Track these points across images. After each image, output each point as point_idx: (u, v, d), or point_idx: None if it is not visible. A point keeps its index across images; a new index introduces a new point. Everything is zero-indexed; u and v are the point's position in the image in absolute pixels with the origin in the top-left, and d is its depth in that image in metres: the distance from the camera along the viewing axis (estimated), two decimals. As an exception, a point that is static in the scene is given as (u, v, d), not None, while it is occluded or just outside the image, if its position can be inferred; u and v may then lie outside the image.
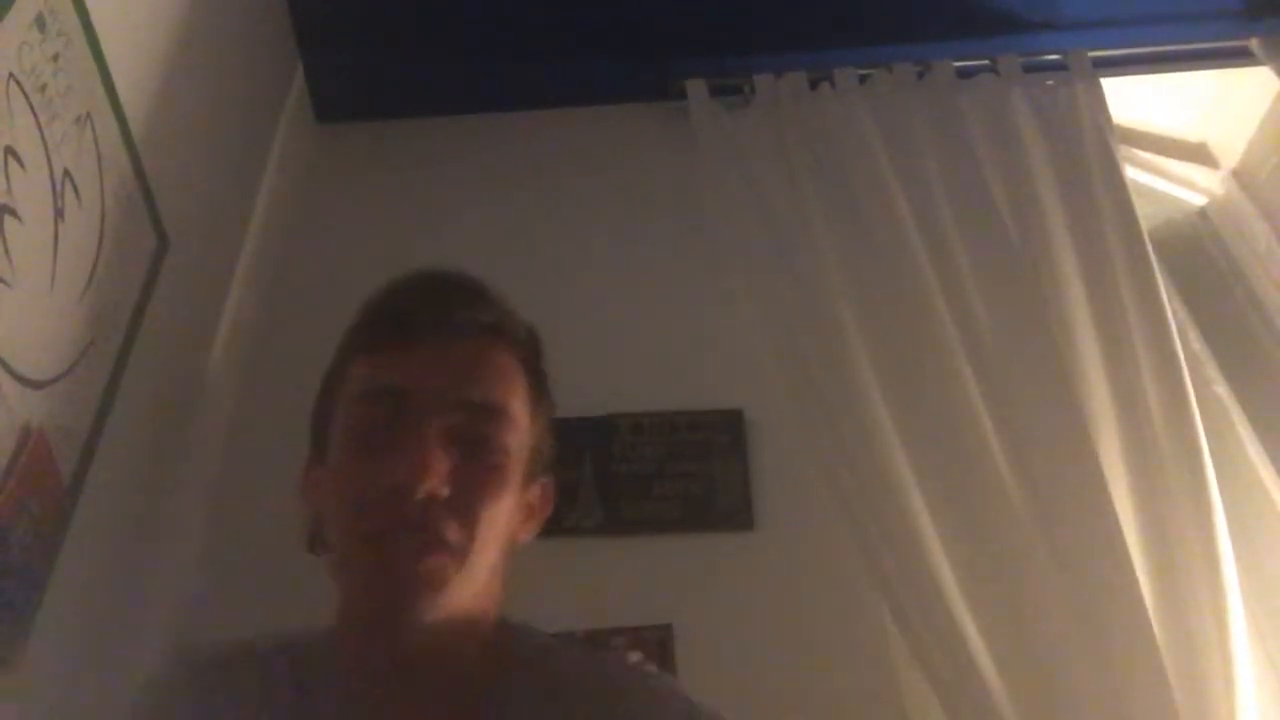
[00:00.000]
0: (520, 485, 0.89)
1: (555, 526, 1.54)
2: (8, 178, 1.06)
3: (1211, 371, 1.83)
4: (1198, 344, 1.85)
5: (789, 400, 1.64)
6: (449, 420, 0.84)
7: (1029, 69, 2.04)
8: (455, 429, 0.84)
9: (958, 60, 2.05)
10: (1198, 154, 2.22)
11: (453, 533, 0.82)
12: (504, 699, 0.86)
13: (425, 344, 0.88)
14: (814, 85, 2.04)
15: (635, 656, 1.07)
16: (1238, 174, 2.16)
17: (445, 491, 0.82)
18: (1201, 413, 1.59)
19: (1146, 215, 1.87)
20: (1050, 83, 2.02)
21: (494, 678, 0.87)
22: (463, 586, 0.83)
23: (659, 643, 1.47)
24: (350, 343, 0.93)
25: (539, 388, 0.94)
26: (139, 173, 1.38)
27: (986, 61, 2.05)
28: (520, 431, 0.89)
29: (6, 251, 1.06)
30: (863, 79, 2.03)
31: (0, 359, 1.05)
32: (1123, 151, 1.95)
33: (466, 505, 0.83)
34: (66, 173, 1.19)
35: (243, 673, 0.92)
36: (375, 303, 0.93)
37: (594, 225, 1.99)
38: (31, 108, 1.12)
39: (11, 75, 1.08)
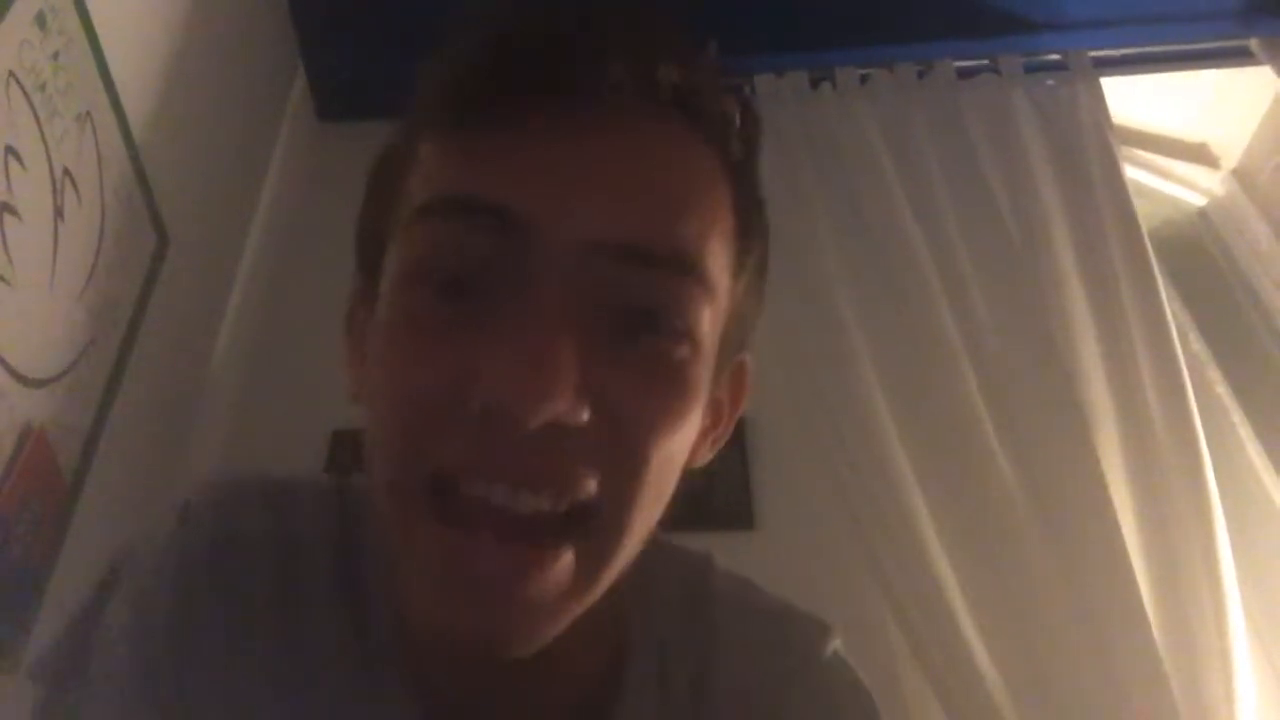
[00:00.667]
0: (710, 386, 0.53)
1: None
2: (8, 176, 1.07)
3: (1211, 372, 1.83)
4: (1197, 344, 1.85)
5: (790, 400, 1.64)
6: (593, 276, 0.46)
7: (1030, 69, 2.04)
8: (604, 293, 0.47)
9: (958, 60, 2.05)
10: (1198, 154, 2.22)
11: (597, 485, 0.47)
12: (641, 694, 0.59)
13: (554, 125, 0.47)
14: (815, 85, 2.04)
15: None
16: (1238, 174, 2.16)
17: (583, 416, 0.46)
18: (1201, 413, 1.59)
19: (1146, 215, 1.86)
20: (1051, 82, 2.02)
21: (624, 663, 0.60)
22: (597, 591, 0.50)
23: (659, 642, 1.47)
24: (416, 114, 0.54)
25: (751, 214, 0.55)
26: (139, 171, 1.38)
27: (987, 61, 2.05)
28: (719, 299, 0.51)
29: (6, 250, 1.06)
30: (864, 79, 2.03)
31: (0, 357, 1.05)
32: (1123, 151, 1.95)
33: (627, 432, 0.47)
34: (66, 171, 1.19)
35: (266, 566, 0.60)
36: (465, 44, 0.52)
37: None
38: (31, 106, 1.12)
39: (11, 74, 1.08)
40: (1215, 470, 1.53)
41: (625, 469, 0.48)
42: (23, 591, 1.09)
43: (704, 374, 0.51)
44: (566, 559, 0.47)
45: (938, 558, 1.45)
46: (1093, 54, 2.05)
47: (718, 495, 1.62)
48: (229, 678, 0.58)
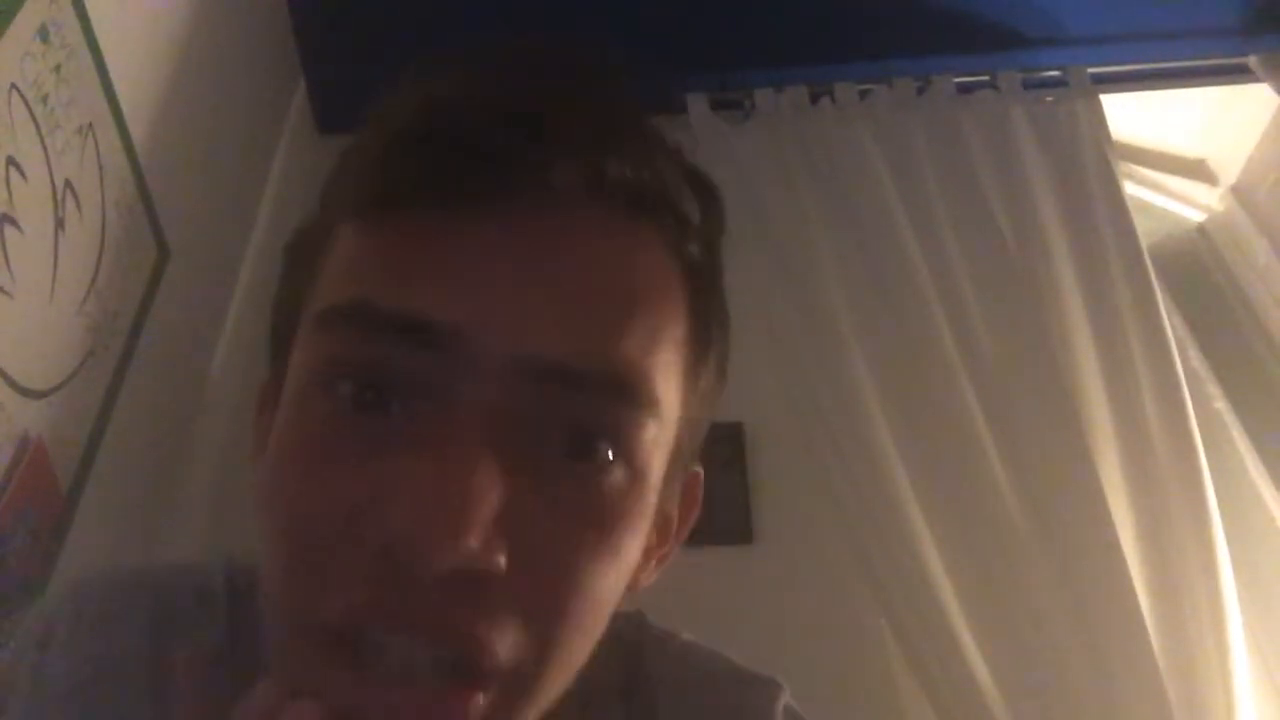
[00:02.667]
0: (655, 509, 0.48)
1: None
2: (9, 188, 1.07)
3: (1211, 387, 1.83)
4: (1197, 360, 1.85)
5: (788, 413, 1.64)
6: (523, 396, 0.41)
7: (1029, 85, 2.05)
8: (534, 415, 0.41)
9: (958, 76, 2.05)
10: (1197, 170, 2.23)
11: (508, 646, 0.41)
12: None
13: (486, 220, 0.42)
14: (814, 100, 2.04)
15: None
16: (1237, 190, 2.17)
17: (499, 563, 0.40)
18: (1200, 428, 1.59)
19: (1146, 231, 1.87)
20: (1050, 99, 2.03)
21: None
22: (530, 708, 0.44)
23: (657, 656, 1.47)
24: (337, 190, 0.50)
25: (710, 317, 0.51)
26: (140, 183, 1.38)
27: (986, 77, 2.06)
28: (667, 419, 0.46)
29: (7, 261, 1.06)
30: (863, 94, 2.03)
31: (0, 368, 1.05)
32: (1122, 167, 1.95)
33: (549, 578, 0.42)
34: (68, 183, 1.19)
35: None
36: (394, 115, 0.47)
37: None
38: (33, 118, 1.12)
39: (14, 86, 1.08)
40: (1214, 485, 1.53)
41: (547, 623, 0.41)
42: (19, 603, 1.09)
43: (647, 502, 0.45)
44: (477, 702, 0.40)
45: (936, 572, 1.44)
46: (1092, 70, 2.05)
47: (716, 510, 1.61)
48: None
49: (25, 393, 1.09)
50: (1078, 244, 1.81)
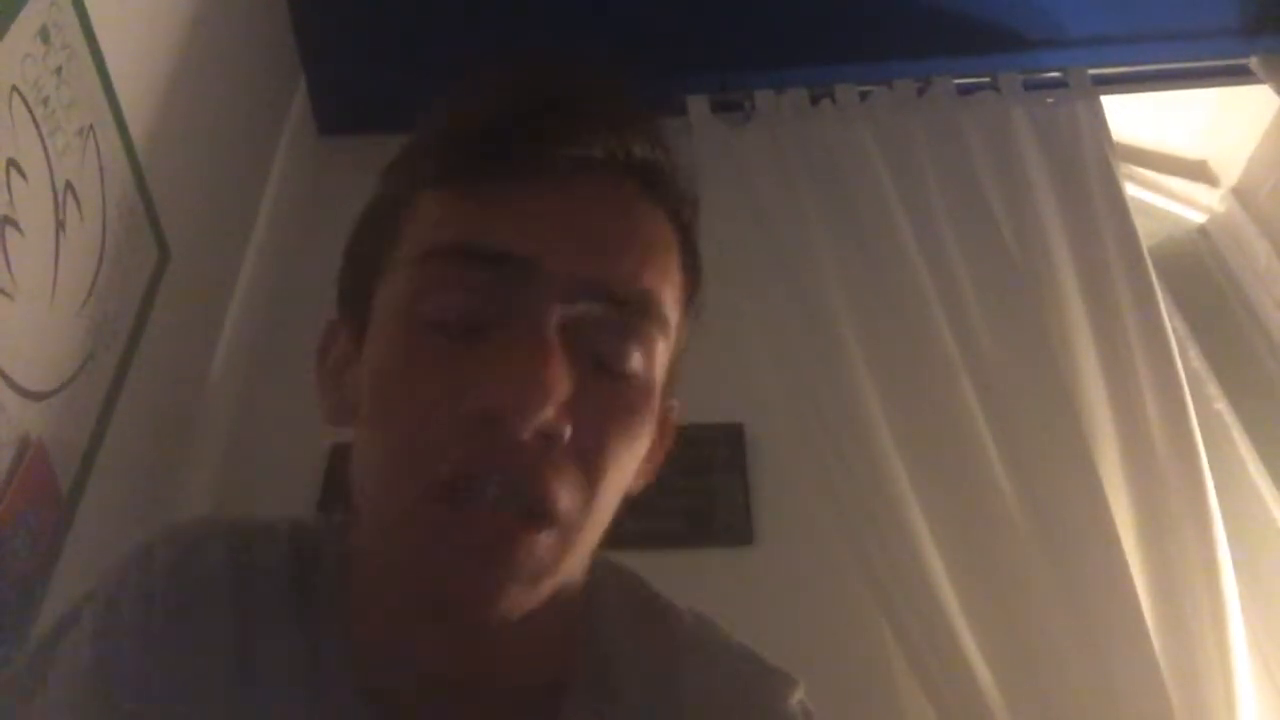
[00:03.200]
0: (656, 414, 0.59)
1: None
2: (9, 190, 1.07)
3: (1211, 388, 1.83)
4: (1198, 361, 1.85)
5: (789, 415, 1.64)
6: (576, 313, 0.53)
7: (1029, 86, 2.05)
8: (584, 328, 0.54)
9: (958, 77, 2.05)
10: (1198, 171, 2.23)
11: (567, 496, 0.53)
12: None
13: (544, 185, 0.55)
14: (815, 102, 2.04)
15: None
16: (1238, 191, 2.17)
17: (566, 432, 0.52)
18: (1201, 429, 1.59)
19: (1147, 233, 1.87)
20: (1050, 100, 2.03)
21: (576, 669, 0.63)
22: (565, 572, 0.56)
23: (658, 658, 1.47)
24: (414, 169, 0.61)
25: (694, 270, 0.64)
26: (141, 185, 1.39)
27: (987, 78, 2.06)
28: (672, 337, 0.59)
29: (7, 263, 1.06)
30: (863, 95, 2.03)
31: (0, 370, 1.05)
32: (1123, 169, 1.95)
33: (593, 451, 0.54)
34: (68, 185, 1.19)
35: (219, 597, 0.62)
36: (477, 112, 0.57)
37: (595, 239, 1.99)
38: (34, 120, 1.12)
39: (14, 87, 1.08)
40: (1215, 486, 1.53)
41: (593, 476, 0.54)
42: (19, 605, 1.09)
43: (654, 403, 0.58)
44: (544, 538, 0.53)
45: (937, 573, 1.44)
46: (1093, 71, 2.06)
47: (717, 511, 1.61)
48: (184, 700, 0.60)
49: (26, 394, 1.09)
50: (1078, 245, 1.81)
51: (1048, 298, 1.74)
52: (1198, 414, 1.60)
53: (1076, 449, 1.54)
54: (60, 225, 1.18)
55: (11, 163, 1.07)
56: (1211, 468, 1.54)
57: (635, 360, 0.56)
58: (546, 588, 0.55)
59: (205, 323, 1.68)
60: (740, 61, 2.12)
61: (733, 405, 1.72)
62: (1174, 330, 1.72)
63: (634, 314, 0.55)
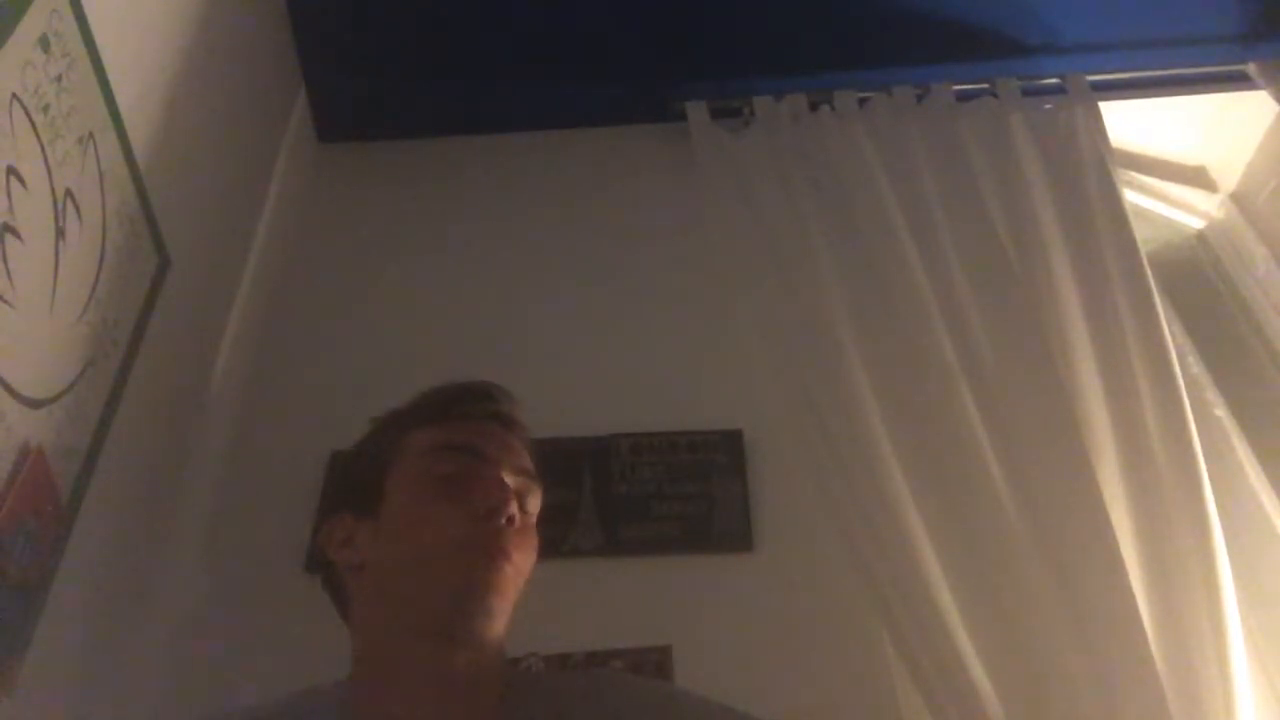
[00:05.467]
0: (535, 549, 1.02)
1: (554, 548, 1.56)
2: (9, 197, 1.07)
3: (1210, 394, 1.83)
4: (1196, 367, 1.85)
5: (788, 421, 1.64)
6: (511, 479, 0.99)
7: (1028, 92, 2.06)
8: (514, 487, 0.99)
9: (957, 83, 2.06)
10: (1196, 177, 2.23)
11: (518, 554, 0.94)
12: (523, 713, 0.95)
13: (484, 422, 1.04)
14: (814, 108, 2.05)
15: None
16: (1236, 197, 2.17)
17: (518, 519, 0.96)
18: (1200, 435, 1.58)
19: (1145, 238, 1.87)
20: (1049, 106, 2.03)
21: (513, 702, 0.95)
22: (510, 604, 0.94)
23: (658, 664, 1.46)
24: (407, 420, 1.05)
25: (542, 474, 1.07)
26: (141, 192, 1.39)
27: (985, 85, 2.06)
28: (539, 499, 1.04)
29: (7, 271, 1.06)
30: (862, 102, 2.04)
31: (0, 377, 1.05)
32: (1121, 175, 1.96)
33: (522, 538, 0.97)
34: (68, 192, 1.20)
35: None
36: (436, 391, 1.08)
37: (594, 246, 1.99)
38: (34, 127, 1.12)
39: (15, 95, 1.09)
40: (1214, 492, 1.52)
41: (523, 550, 0.97)
42: (19, 612, 1.09)
43: (535, 534, 1.01)
44: (510, 570, 0.94)
45: (936, 580, 1.44)
46: (1091, 78, 2.06)
47: (716, 517, 1.61)
48: None
49: (26, 402, 1.09)
50: (1077, 251, 1.81)
51: (1046, 304, 1.74)
52: (1196, 420, 1.60)
53: (1075, 454, 1.54)
54: (60, 233, 1.18)
55: (11, 170, 1.08)
56: (1210, 474, 1.54)
57: (531, 506, 1.02)
58: (505, 607, 0.93)
59: (205, 330, 1.68)
60: (739, 68, 2.13)
61: (732, 411, 1.72)
62: (1172, 336, 1.72)
63: (530, 482, 1.02)
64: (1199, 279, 2.12)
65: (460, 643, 0.90)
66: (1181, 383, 1.64)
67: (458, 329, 1.85)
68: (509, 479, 0.99)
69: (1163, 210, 2.19)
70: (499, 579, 0.92)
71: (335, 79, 2.15)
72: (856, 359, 1.67)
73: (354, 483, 1.03)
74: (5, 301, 1.06)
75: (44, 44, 1.15)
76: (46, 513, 1.14)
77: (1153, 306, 1.73)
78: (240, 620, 1.48)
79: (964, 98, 2.05)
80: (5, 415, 1.05)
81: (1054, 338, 1.69)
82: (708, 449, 1.68)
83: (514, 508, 0.95)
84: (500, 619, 0.92)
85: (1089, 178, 1.91)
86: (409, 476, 0.99)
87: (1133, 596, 1.41)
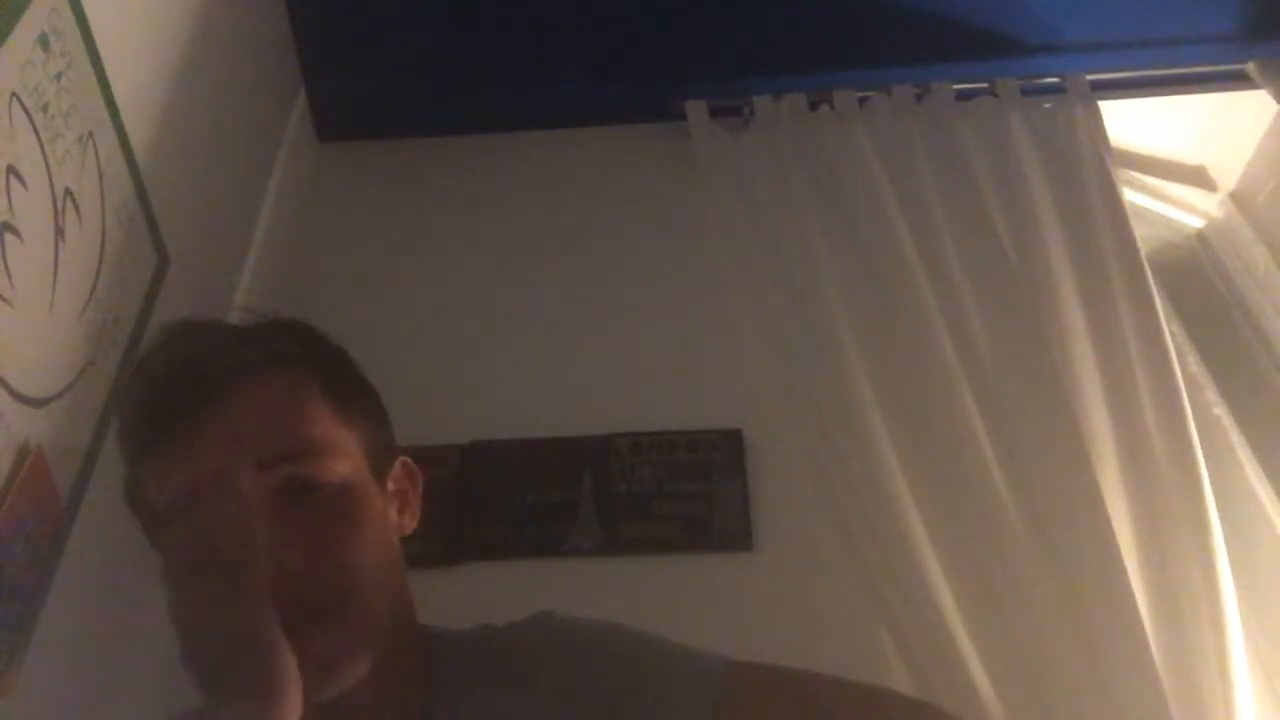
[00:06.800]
0: (375, 490, 0.80)
1: (554, 548, 1.57)
2: (9, 196, 1.07)
3: (1210, 394, 1.83)
4: (1196, 366, 1.85)
5: (788, 420, 1.64)
6: (265, 482, 0.73)
7: (1027, 92, 2.06)
8: (276, 483, 0.74)
9: (957, 83, 2.06)
10: (1196, 177, 2.23)
11: (330, 586, 0.72)
12: (449, 692, 0.82)
13: (209, 408, 0.75)
14: (813, 107, 2.05)
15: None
16: (1236, 197, 2.17)
17: (297, 559, 0.70)
18: (1200, 435, 1.58)
19: (1144, 238, 1.87)
20: (1048, 105, 2.03)
21: (444, 678, 0.82)
22: (379, 605, 0.76)
23: (657, 664, 1.46)
24: (128, 454, 0.81)
25: (338, 389, 0.81)
26: (140, 191, 1.39)
27: (985, 84, 2.06)
28: (344, 451, 0.78)
29: (7, 270, 1.06)
30: (862, 101, 2.04)
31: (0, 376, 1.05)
32: (1121, 174, 1.96)
33: (328, 557, 0.73)
34: (68, 191, 1.19)
35: None
36: (132, 401, 0.83)
37: (593, 245, 1.99)
38: (34, 126, 1.12)
39: (14, 94, 1.08)
40: (1214, 492, 1.52)
41: (337, 570, 0.73)
42: (17, 612, 1.09)
43: (362, 492, 0.78)
44: (326, 636, 0.72)
45: (936, 579, 1.44)
46: (1090, 77, 2.06)
47: (716, 517, 1.61)
48: None
49: (25, 401, 1.09)
50: (1077, 250, 1.81)
51: (1046, 303, 1.74)
52: (1196, 419, 1.60)
53: (1075, 454, 1.54)
54: (60, 232, 1.18)
55: (11, 169, 1.07)
56: (1210, 473, 1.54)
57: (322, 481, 0.75)
58: (360, 655, 0.74)
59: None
60: (739, 67, 2.13)
61: (731, 410, 1.72)
62: (1172, 335, 1.72)
63: (303, 457, 0.75)
64: (1198, 278, 2.12)
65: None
66: (1181, 382, 1.64)
67: (457, 328, 1.85)
68: (264, 488, 0.71)
69: (1162, 209, 2.19)
70: (313, 679, 0.66)
71: (335, 78, 2.15)
72: (856, 358, 1.67)
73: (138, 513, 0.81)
74: (4, 300, 1.06)
75: (43, 42, 1.15)
76: (46, 513, 1.14)
77: (1152, 306, 1.73)
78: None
79: (964, 97, 2.05)
80: (4, 415, 1.05)
81: (1053, 337, 1.69)
82: (707, 448, 1.68)
83: (289, 560, 0.69)
84: (364, 667, 0.73)
85: (1088, 177, 1.91)
86: (157, 548, 0.77)
87: (1132, 596, 1.41)
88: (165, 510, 0.74)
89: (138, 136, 1.38)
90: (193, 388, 0.75)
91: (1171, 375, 1.64)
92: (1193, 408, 1.62)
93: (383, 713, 0.79)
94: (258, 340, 0.80)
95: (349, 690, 0.73)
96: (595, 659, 0.85)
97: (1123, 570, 1.43)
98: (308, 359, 0.81)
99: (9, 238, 1.07)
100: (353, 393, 0.83)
